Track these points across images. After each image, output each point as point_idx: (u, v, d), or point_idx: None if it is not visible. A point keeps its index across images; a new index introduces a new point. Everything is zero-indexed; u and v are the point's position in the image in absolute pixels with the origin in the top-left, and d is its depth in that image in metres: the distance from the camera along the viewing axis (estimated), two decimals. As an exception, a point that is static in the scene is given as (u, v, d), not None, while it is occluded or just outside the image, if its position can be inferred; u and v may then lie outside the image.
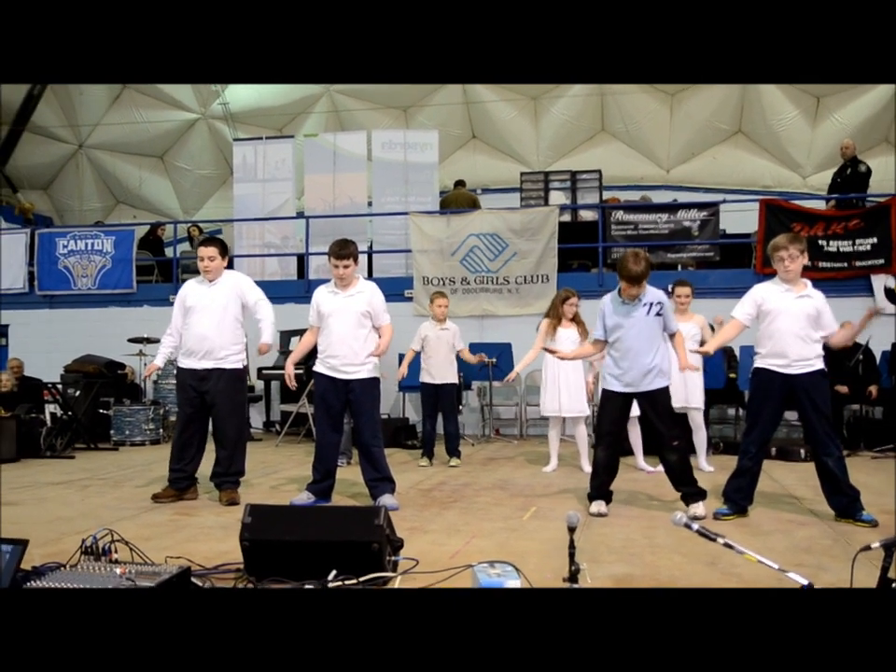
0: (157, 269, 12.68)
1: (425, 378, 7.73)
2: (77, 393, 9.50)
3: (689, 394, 6.83)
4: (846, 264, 9.83)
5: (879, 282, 9.69)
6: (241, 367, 5.74)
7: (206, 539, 4.39)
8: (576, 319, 7.08)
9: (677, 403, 6.71)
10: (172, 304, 5.99)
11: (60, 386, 9.33)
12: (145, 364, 10.20)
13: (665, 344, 5.12)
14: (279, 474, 6.97)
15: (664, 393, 5.05)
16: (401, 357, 8.12)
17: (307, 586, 3.07)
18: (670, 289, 6.83)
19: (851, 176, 10.57)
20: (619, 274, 4.97)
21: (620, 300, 5.05)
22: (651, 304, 5.00)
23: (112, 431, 9.58)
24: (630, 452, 7.10)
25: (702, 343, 6.26)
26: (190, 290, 5.78)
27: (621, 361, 5.04)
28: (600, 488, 5.12)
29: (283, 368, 5.98)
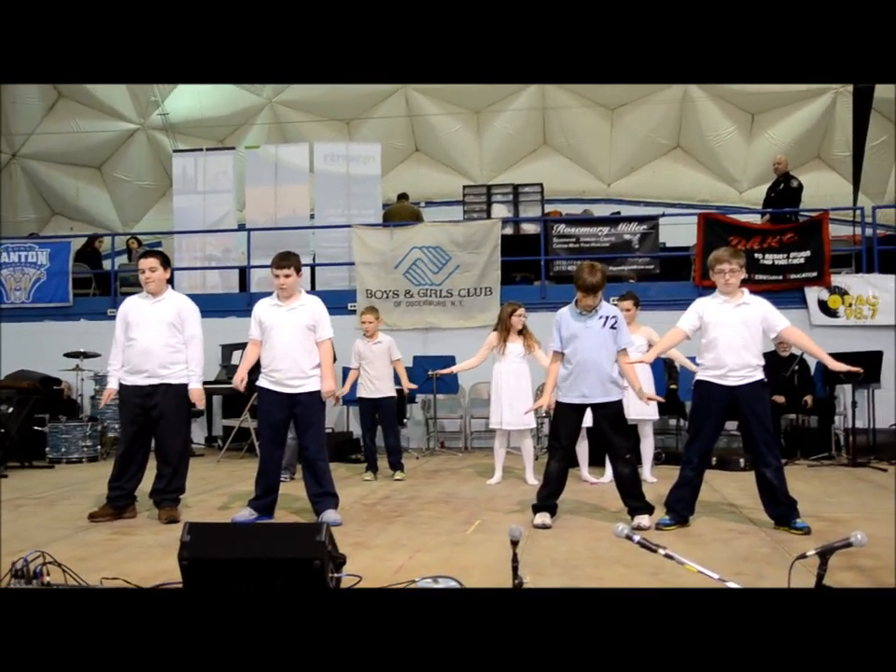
0: (94, 282, 12.38)
1: (362, 393, 7.68)
2: (11, 409, 9.21)
3: (644, 404, 6.82)
4: (780, 277, 10.07)
5: (813, 294, 9.96)
6: (186, 382, 5.62)
7: (145, 558, 4.28)
8: (524, 332, 7.10)
9: (631, 415, 6.75)
10: (110, 318, 5.83)
11: (-8, 403, 9.05)
12: (82, 379, 9.98)
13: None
14: (221, 490, 6.84)
15: (619, 405, 5.11)
16: (346, 370, 8.05)
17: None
18: (614, 303, 6.88)
19: (784, 192, 10.84)
20: (575, 285, 5.02)
21: (576, 310, 5.10)
22: (607, 318, 5.06)
23: (47, 448, 9.30)
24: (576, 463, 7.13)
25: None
26: (132, 306, 5.63)
27: (576, 373, 5.07)
28: (547, 500, 5.13)
29: (225, 382, 5.89)
